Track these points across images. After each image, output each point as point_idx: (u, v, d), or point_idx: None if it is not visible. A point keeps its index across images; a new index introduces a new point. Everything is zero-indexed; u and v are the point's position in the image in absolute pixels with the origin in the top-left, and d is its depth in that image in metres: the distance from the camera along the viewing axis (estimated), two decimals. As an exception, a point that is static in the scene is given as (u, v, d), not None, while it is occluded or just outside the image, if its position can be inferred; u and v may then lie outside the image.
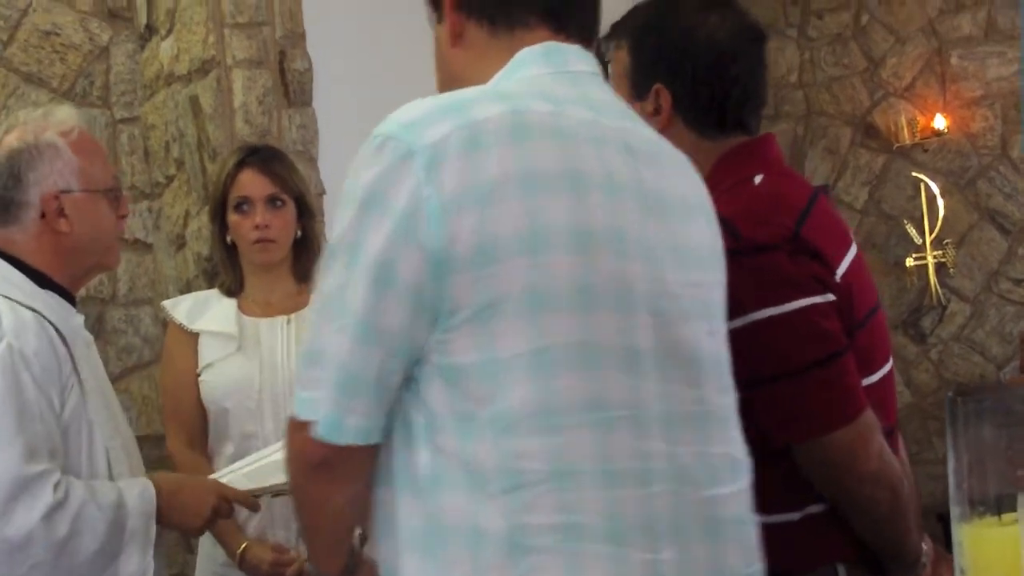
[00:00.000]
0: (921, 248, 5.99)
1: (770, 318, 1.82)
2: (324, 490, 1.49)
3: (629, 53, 1.99)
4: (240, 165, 2.99)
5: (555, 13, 1.55)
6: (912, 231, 5.98)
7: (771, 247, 1.84)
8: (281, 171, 2.99)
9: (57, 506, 2.06)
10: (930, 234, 5.95)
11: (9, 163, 2.22)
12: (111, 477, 2.22)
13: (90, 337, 2.36)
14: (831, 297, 1.85)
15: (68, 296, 2.29)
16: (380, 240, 1.36)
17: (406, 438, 1.41)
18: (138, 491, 2.19)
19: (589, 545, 1.35)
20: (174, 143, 4.19)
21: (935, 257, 5.96)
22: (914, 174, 5.99)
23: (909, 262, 6.02)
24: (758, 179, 1.94)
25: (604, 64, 1.96)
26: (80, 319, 2.32)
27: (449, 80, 1.59)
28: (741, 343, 1.79)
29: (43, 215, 2.23)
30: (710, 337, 1.52)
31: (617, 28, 2.03)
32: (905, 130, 5.99)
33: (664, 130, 1.89)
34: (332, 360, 1.39)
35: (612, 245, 1.40)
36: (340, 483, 1.47)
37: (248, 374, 2.90)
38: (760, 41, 2.03)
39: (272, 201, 2.95)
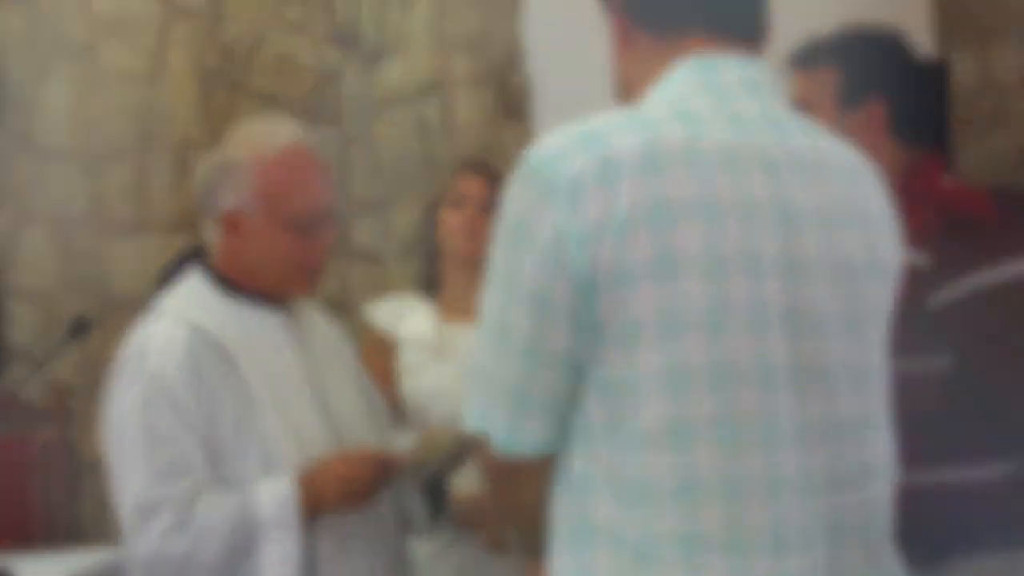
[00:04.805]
0: None
1: None
2: (511, 493, 1.65)
3: None
4: (460, 168, 3.17)
5: (714, 21, 1.58)
6: None
7: None
8: (495, 175, 3.07)
9: (175, 526, 2.18)
10: None
11: (212, 174, 2.33)
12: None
13: (288, 339, 2.37)
14: None
15: (266, 299, 2.35)
16: (532, 269, 1.46)
17: (567, 440, 1.51)
18: (272, 483, 2.22)
19: (709, 556, 1.42)
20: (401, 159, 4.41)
21: None
22: None
23: None
24: None
25: None
26: (276, 319, 2.36)
27: (620, 81, 1.68)
28: None
29: (225, 229, 2.33)
30: (855, 347, 1.53)
31: None
32: None
33: None
34: (503, 381, 1.50)
35: (745, 268, 1.45)
36: (521, 489, 1.62)
37: (448, 382, 2.96)
38: None
39: (485, 205, 3.02)
